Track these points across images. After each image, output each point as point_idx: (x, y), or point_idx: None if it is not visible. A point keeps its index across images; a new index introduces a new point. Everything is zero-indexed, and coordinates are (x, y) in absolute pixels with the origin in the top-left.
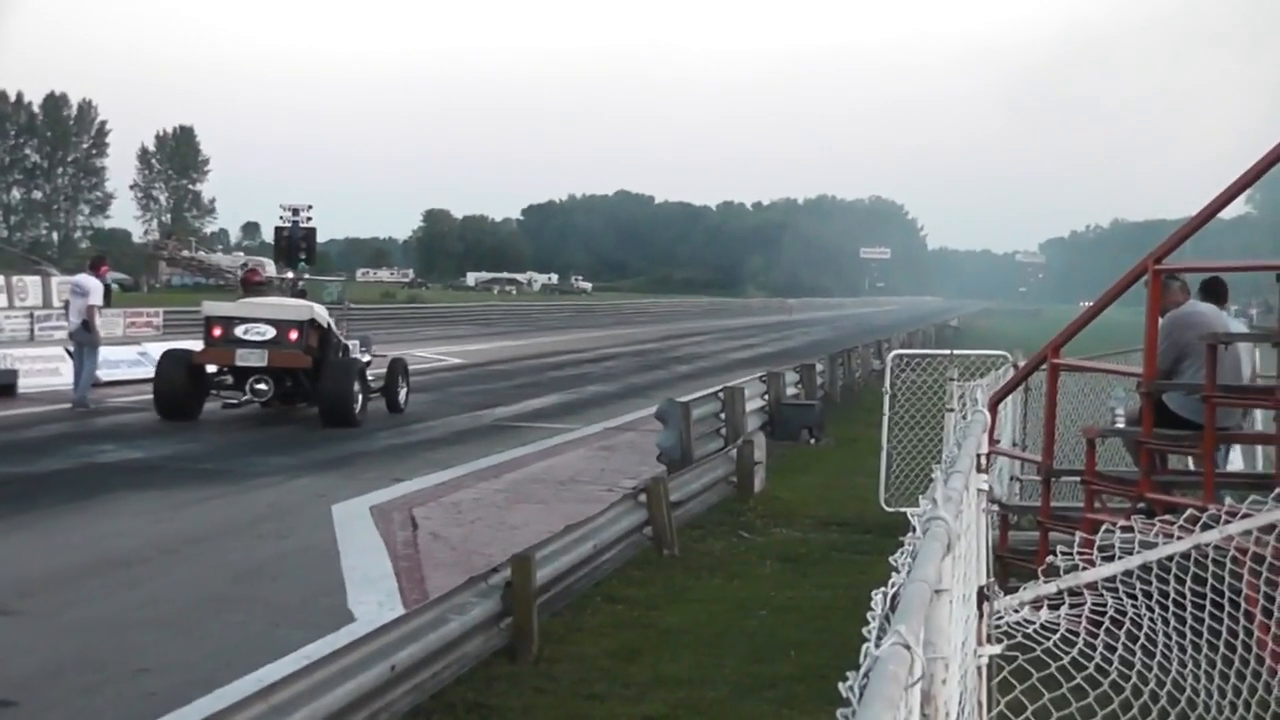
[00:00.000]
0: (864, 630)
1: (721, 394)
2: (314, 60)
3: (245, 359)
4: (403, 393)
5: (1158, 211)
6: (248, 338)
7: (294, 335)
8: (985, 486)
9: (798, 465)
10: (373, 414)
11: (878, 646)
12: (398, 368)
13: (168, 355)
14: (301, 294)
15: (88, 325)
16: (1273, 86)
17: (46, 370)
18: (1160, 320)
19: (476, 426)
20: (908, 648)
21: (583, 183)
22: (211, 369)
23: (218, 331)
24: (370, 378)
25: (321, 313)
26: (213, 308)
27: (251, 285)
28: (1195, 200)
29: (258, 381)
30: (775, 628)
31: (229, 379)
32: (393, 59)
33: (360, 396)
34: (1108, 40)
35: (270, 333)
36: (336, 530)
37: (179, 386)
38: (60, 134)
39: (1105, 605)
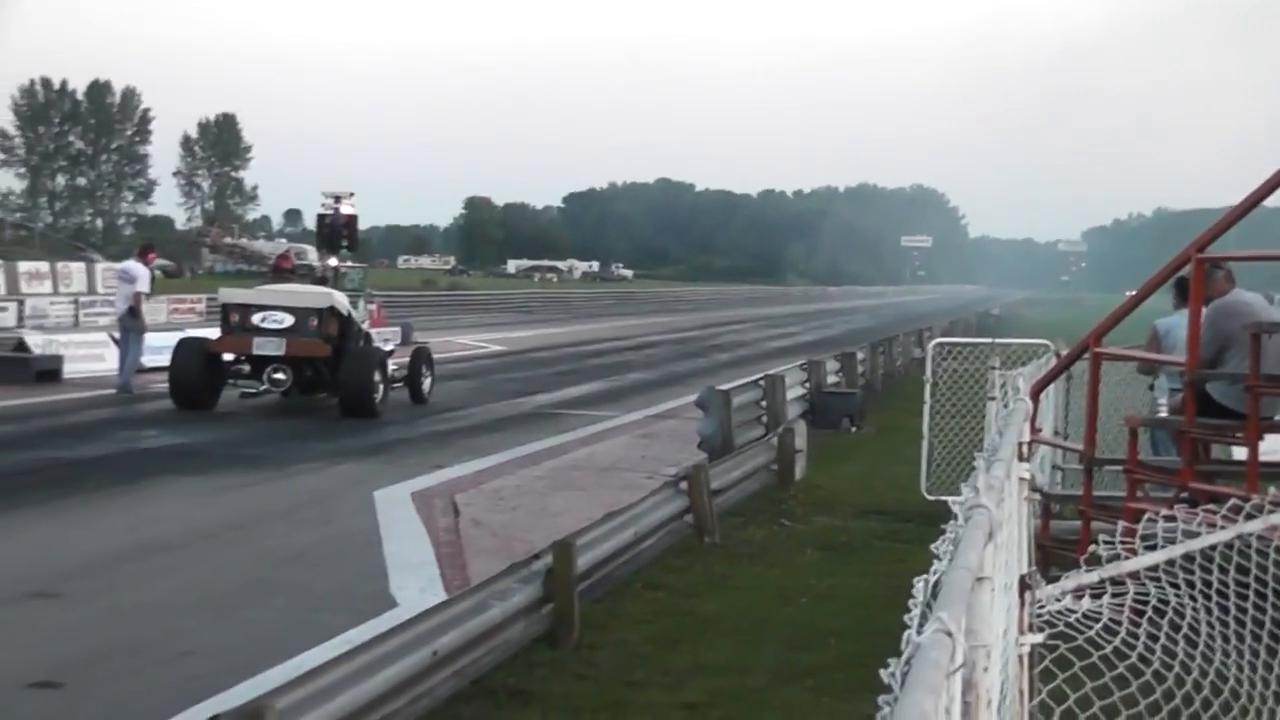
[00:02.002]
0: (906, 617)
1: (762, 382)
2: (356, 48)
3: (263, 347)
4: (426, 382)
5: (1201, 200)
6: (265, 325)
7: (313, 323)
8: (1027, 475)
9: (838, 453)
10: (404, 403)
11: (920, 633)
12: (421, 357)
13: (183, 343)
14: (323, 281)
15: (134, 311)
16: None
17: (91, 356)
18: (1204, 309)
19: (517, 414)
20: (950, 635)
21: (624, 170)
22: (228, 357)
23: (235, 319)
24: (394, 366)
25: (341, 300)
26: (230, 295)
27: (281, 271)
28: (1240, 188)
29: (276, 370)
30: (815, 616)
31: (246, 368)
32: (436, 48)
33: (381, 386)
34: (1153, 26)
35: (288, 320)
36: (378, 516)
37: (195, 375)
38: (104, 121)
39: (1148, 595)
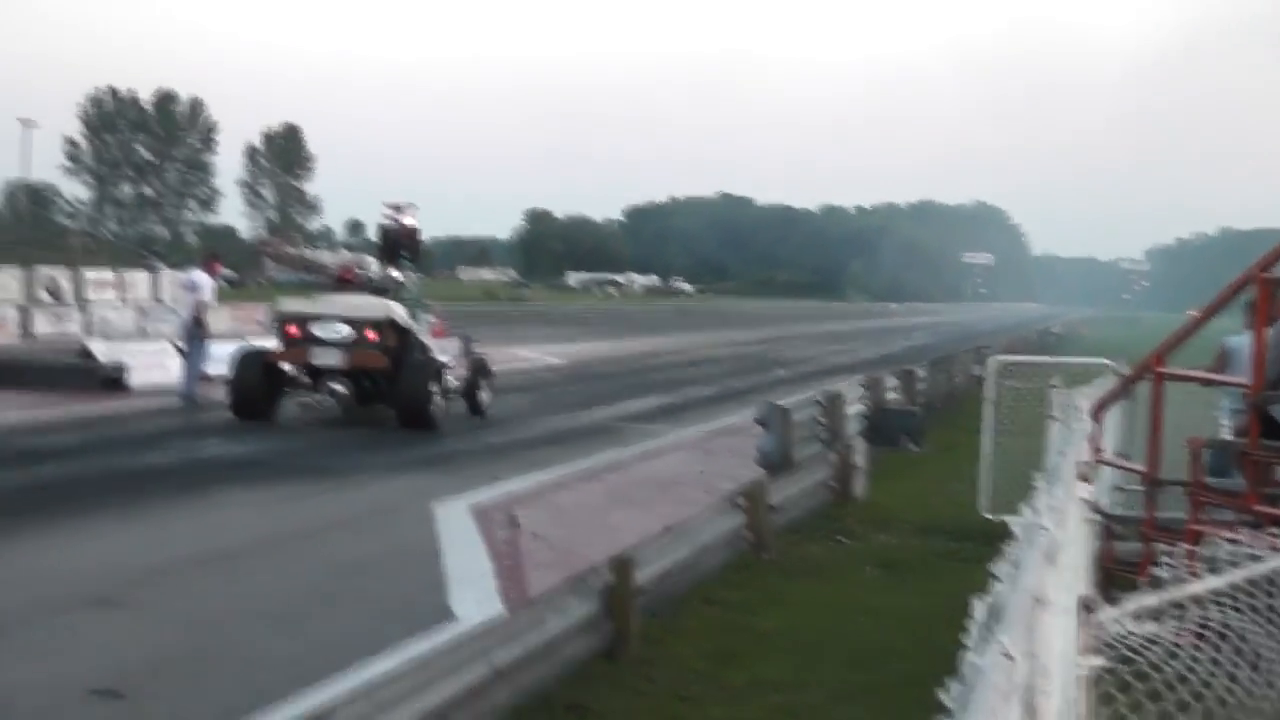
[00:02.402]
0: (965, 639)
1: (821, 398)
2: (419, 61)
3: (322, 358)
4: (485, 395)
5: (1268, 219)
6: (324, 336)
7: (371, 335)
8: (1088, 496)
9: (897, 471)
10: (463, 415)
11: (980, 656)
12: (479, 369)
13: (243, 354)
14: (383, 292)
15: (198, 320)
16: None
17: (155, 364)
18: (1268, 330)
19: (576, 427)
20: (1010, 658)
21: (684, 185)
22: (287, 368)
23: (294, 330)
24: (452, 379)
25: (400, 312)
26: (289, 305)
27: (344, 282)
28: None
29: (334, 381)
30: (874, 634)
31: (305, 378)
32: (498, 61)
33: (439, 398)
34: (1219, 42)
35: (347, 332)
36: (438, 528)
37: (254, 386)
38: (171, 131)
39: (1210, 618)
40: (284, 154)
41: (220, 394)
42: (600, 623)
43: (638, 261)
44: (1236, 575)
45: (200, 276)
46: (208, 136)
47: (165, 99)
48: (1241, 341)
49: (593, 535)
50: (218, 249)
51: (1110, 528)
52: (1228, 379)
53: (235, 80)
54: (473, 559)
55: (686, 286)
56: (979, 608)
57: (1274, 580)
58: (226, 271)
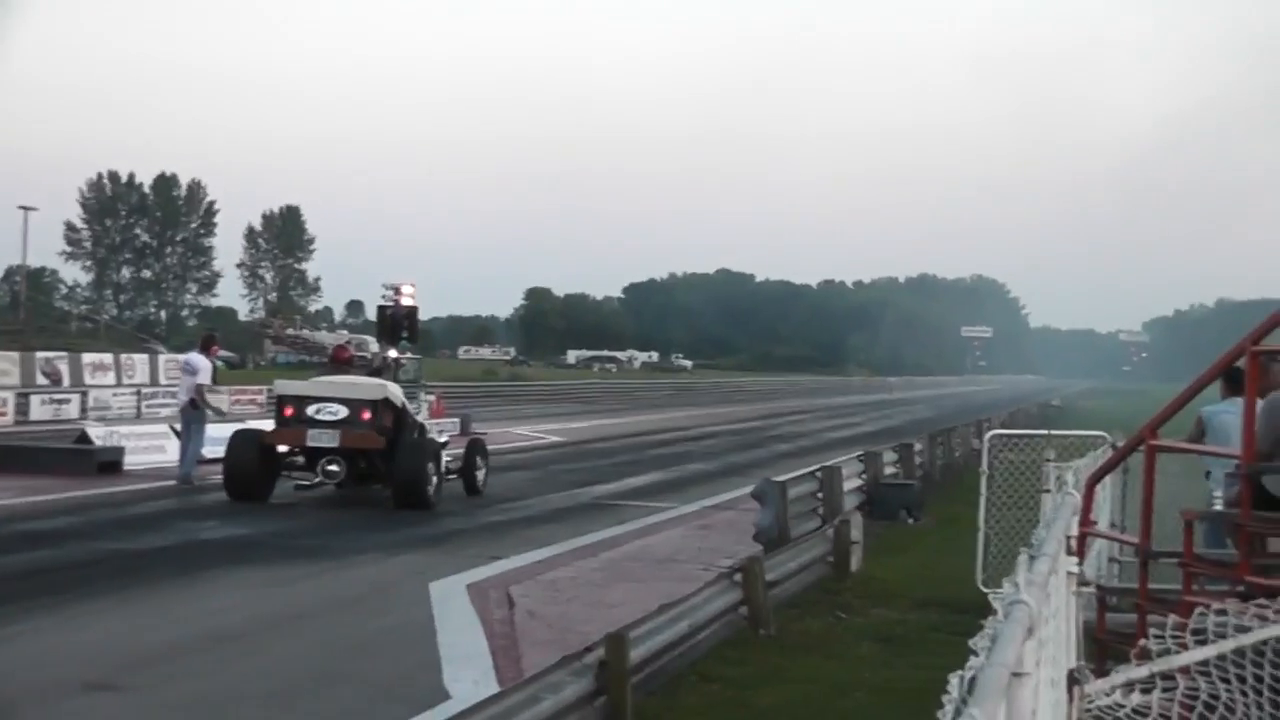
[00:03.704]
0: (939, 714)
1: (819, 473)
2: (418, 142)
3: (317, 439)
4: (480, 474)
5: (1264, 290)
6: (319, 417)
7: (366, 415)
8: (1075, 569)
9: (896, 545)
10: (459, 495)
11: None
12: (475, 448)
13: (238, 435)
14: (379, 372)
15: (195, 403)
16: None
17: (152, 448)
18: (1260, 402)
19: (575, 504)
20: None
21: (684, 261)
22: (283, 449)
23: (289, 411)
24: (448, 458)
25: (396, 391)
26: (284, 386)
27: (340, 363)
28: None
29: (330, 462)
30: (872, 709)
31: (300, 459)
32: (498, 140)
33: (435, 478)
34: (1216, 117)
35: (342, 412)
36: (434, 607)
37: (249, 467)
38: (170, 214)
39: (1198, 690)
40: (283, 235)
41: (217, 476)
42: (595, 701)
43: (639, 338)
44: (1224, 646)
45: (198, 359)
46: (207, 219)
47: (165, 182)
48: (1217, 410)
49: (590, 612)
50: (216, 331)
51: (1104, 599)
52: (1220, 450)
53: (235, 163)
54: (469, 638)
55: (685, 363)
56: (954, 682)
57: (1260, 650)
58: (225, 353)
